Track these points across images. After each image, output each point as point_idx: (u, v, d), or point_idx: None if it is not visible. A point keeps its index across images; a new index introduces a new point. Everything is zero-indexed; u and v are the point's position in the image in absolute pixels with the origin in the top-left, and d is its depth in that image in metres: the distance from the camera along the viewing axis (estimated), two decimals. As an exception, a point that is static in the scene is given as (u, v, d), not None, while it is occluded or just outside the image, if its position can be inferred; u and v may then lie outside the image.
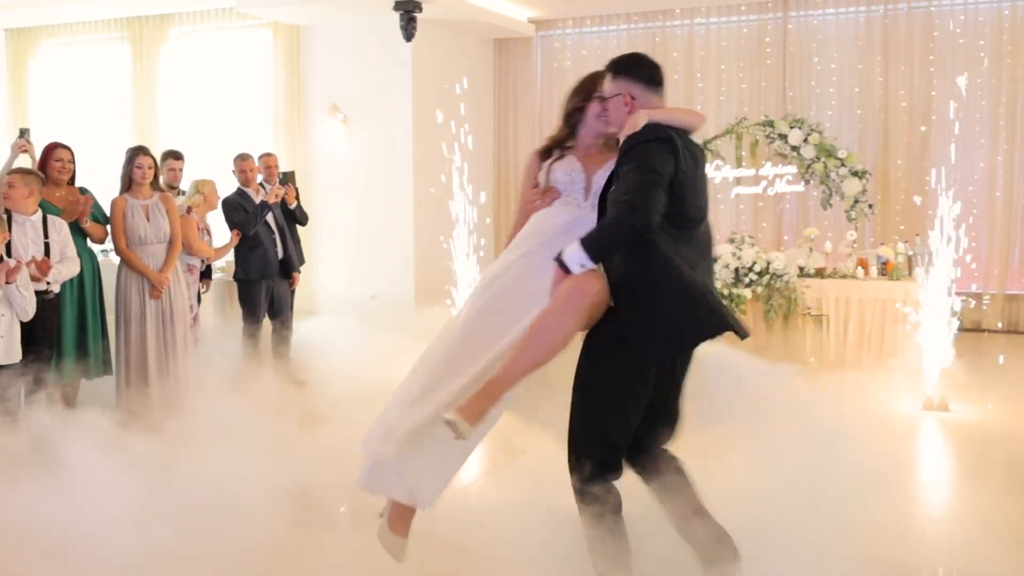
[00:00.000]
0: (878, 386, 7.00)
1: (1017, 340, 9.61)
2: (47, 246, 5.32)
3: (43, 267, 5.16)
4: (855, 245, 8.73)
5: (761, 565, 3.30)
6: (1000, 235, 10.08)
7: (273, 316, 7.25)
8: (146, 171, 5.75)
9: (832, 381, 7.20)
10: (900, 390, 6.78)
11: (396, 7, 9.13)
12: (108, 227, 5.95)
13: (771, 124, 9.09)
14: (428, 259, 10.66)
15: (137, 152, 5.83)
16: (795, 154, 8.97)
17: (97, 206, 5.91)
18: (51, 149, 5.86)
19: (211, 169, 8.23)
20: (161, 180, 6.27)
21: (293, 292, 7.47)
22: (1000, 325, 9.83)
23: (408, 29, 9.22)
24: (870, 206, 8.90)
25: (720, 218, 11.11)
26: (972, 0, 9.96)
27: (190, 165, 7.19)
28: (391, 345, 8.65)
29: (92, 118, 11.65)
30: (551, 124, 12.69)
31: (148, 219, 5.78)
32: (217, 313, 7.82)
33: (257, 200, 7.00)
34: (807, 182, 9.13)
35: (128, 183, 5.79)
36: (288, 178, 7.49)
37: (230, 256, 7.64)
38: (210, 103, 11.21)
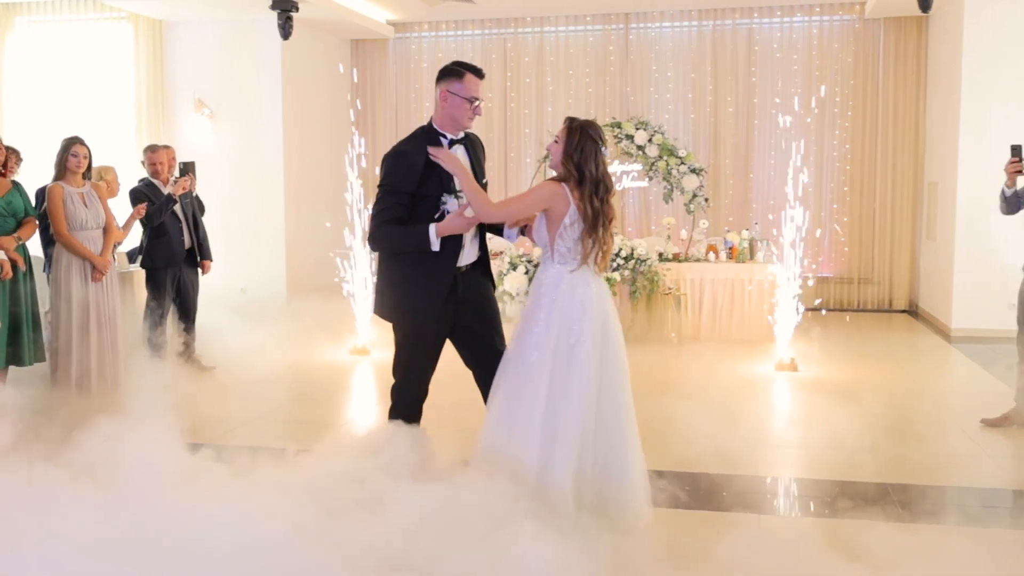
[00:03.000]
0: (736, 353, 8.08)
1: (831, 316, 11.05)
2: None
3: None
4: (693, 236, 9.78)
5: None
6: (812, 225, 11.48)
7: (178, 303, 7.41)
8: (81, 160, 5.86)
9: (697, 351, 8.23)
10: (755, 355, 7.90)
11: (274, 6, 9.37)
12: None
13: (619, 125, 10.00)
14: (299, 253, 10.94)
15: (73, 142, 5.91)
16: (640, 153, 9.92)
17: (25, 198, 5.94)
18: None
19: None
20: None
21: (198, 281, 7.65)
22: (817, 303, 11.27)
23: (286, 28, 9.49)
24: (706, 200, 9.98)
25: (571, 211, 12.01)
26: (787, 19, 11.34)
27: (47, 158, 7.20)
28: (270, 335, 9.02)
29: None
30: (406, 122, 13.14)
31: (86, 205, 5.89)
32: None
33: (165, 192, 7.16)
34: (651, 178, 10.12)
35: (62, 171, 5.87)
36: (188, 168, 7.63)
37: (123, 248, 7.74)
38: (64, 96, 10.95)
